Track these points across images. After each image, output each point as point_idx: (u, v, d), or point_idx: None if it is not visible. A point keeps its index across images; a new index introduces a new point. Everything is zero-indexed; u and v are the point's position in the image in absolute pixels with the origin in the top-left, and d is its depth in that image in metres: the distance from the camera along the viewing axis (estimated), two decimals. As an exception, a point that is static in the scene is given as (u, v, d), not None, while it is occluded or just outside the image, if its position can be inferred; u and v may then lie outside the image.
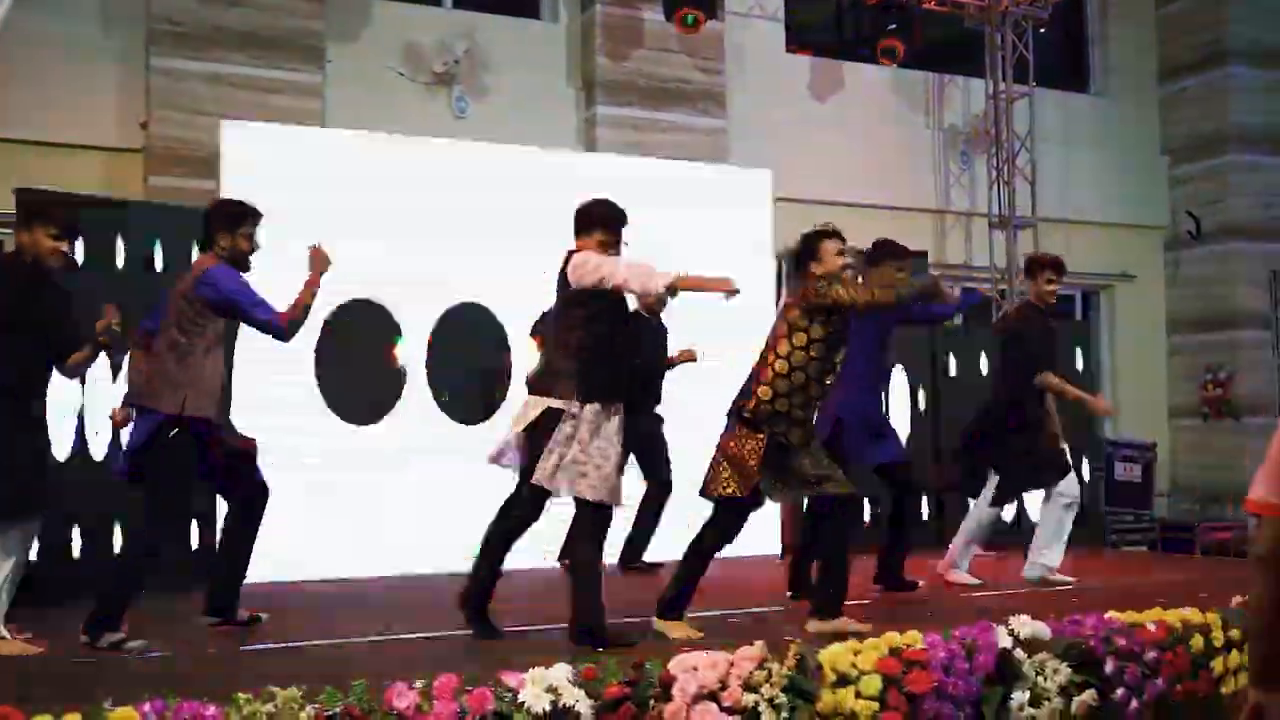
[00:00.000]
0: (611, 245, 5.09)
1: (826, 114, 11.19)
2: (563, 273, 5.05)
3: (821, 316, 5.07)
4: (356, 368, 8.01)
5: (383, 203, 8.05)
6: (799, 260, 5.32)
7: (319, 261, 5.27)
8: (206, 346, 5.13)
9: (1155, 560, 9.91)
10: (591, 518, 4.83)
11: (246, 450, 5.29)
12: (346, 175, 8.03)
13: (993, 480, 6.86)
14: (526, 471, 4.89)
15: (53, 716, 3.17)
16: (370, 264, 7.78)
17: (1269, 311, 12.09)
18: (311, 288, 5.22)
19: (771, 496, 5.24)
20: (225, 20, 8.78)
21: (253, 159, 7.77)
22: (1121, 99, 12.75)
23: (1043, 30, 11.77)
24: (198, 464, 5.11)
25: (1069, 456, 6.98)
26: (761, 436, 4.96)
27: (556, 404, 4.85)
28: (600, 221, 5.11)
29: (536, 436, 4.86)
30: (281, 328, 5.16)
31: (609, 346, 4.94)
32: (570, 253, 5.08)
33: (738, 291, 4.86)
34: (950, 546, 7.06)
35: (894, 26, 10.76)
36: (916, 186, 11.57)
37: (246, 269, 5.33)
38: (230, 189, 7.63)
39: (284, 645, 5.03)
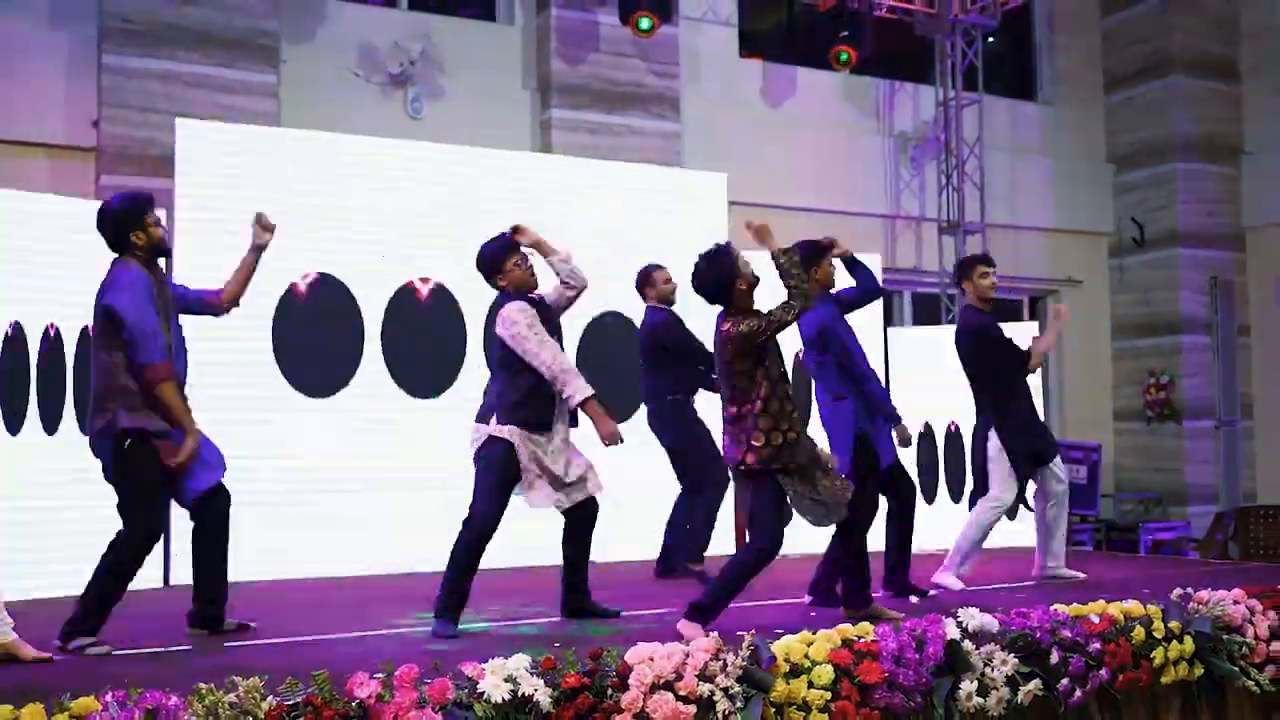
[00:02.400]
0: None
1: (779, 119, 11.32)
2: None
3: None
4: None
5: (337, 203, 8.06)
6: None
7: None
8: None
9: (1100, 559, 10.07)
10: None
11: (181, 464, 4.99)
12: (302, 175, 8.02)
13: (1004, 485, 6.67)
14: None
15: (12, 708, 3.18)
16: (324, 264, 7.87)
17: (1209, 316, 12.35)
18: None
19: None
20: (179, 18, 8.74)
21: (207, 158, 7.76)
22: (1068, 108, 12.98)
23: (991, 39, 11.96)
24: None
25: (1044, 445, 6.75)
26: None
27: None
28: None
29: None
30: (152, 380, 4.86)
31: None
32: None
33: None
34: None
35: (846, 34, 10.90)
36: (868, 191, 11.72)
37: (166, 254, 5.18)
38: (185, 189, 7.67)
39: (247, 644, 5.03)
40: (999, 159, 12.17)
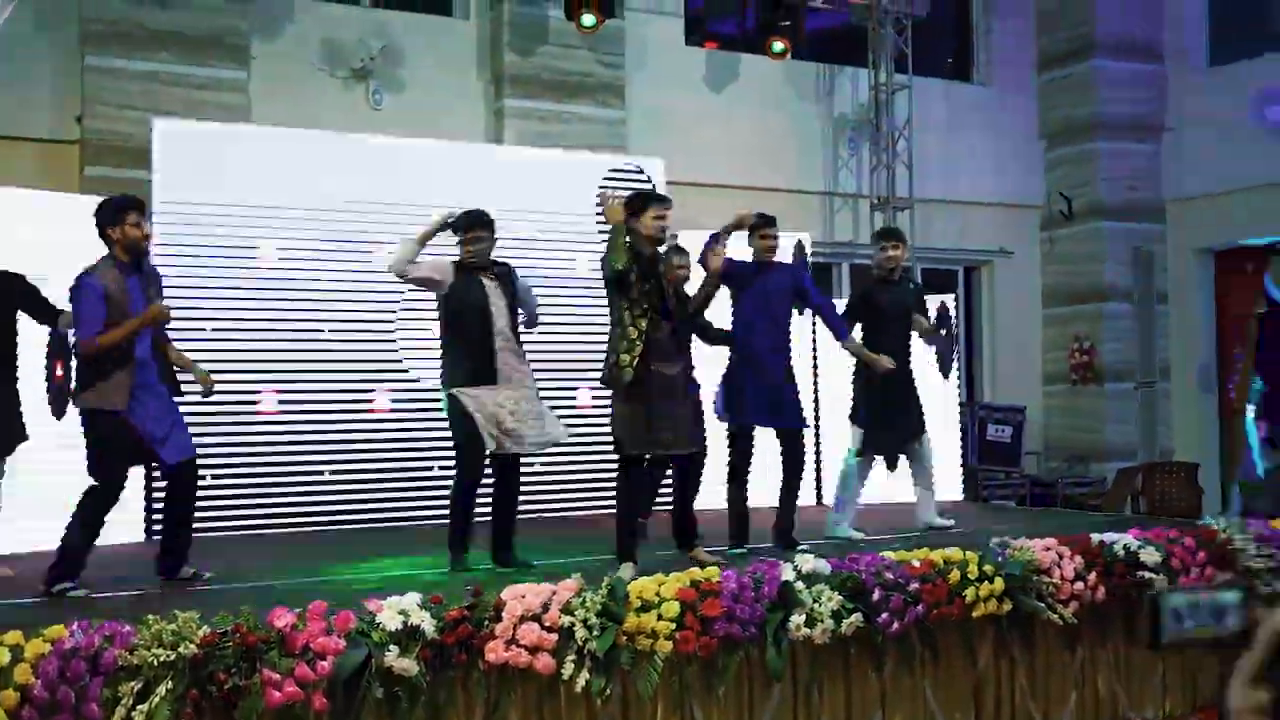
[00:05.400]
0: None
1: (722, 103, 12.05)
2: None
3: None
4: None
5: (305, 195, 8.88)
6: None
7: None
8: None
9: (1012, 512, 10.91)
10: None
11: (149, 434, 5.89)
12: (272, 169, 8.83)
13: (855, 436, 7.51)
14: None
15: (-3, 634, 4.04)
16: (293, 254, 8.71)
17: (1131, 285, 13.16)
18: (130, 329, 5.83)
19: None
20: (155, 20, 9.50)
21: (182, 152, 8.58)
22: (1002, 88, 13.68)
23: (916, 21, 12.50)
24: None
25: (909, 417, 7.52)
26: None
27: None
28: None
29: None
30: (85, 354, 5.81)
31: None
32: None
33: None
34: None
35: (787, 23, 11.64)
36: (808, 170, 12.47)
37: (141, 254, 6.00)
38: (162, 182, 8.50)
39: (209, 589, 5.90)
40: (937, 137, 12.90)
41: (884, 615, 5.36)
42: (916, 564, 5.57)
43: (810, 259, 10.72)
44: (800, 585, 5.24)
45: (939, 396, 10.87)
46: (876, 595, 5.36)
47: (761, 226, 7.04)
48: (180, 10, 9.60)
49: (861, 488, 7.52)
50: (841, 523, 7.40)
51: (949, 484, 9.99)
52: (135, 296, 5.89)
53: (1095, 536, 6.15)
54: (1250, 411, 11.74)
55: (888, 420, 7.41)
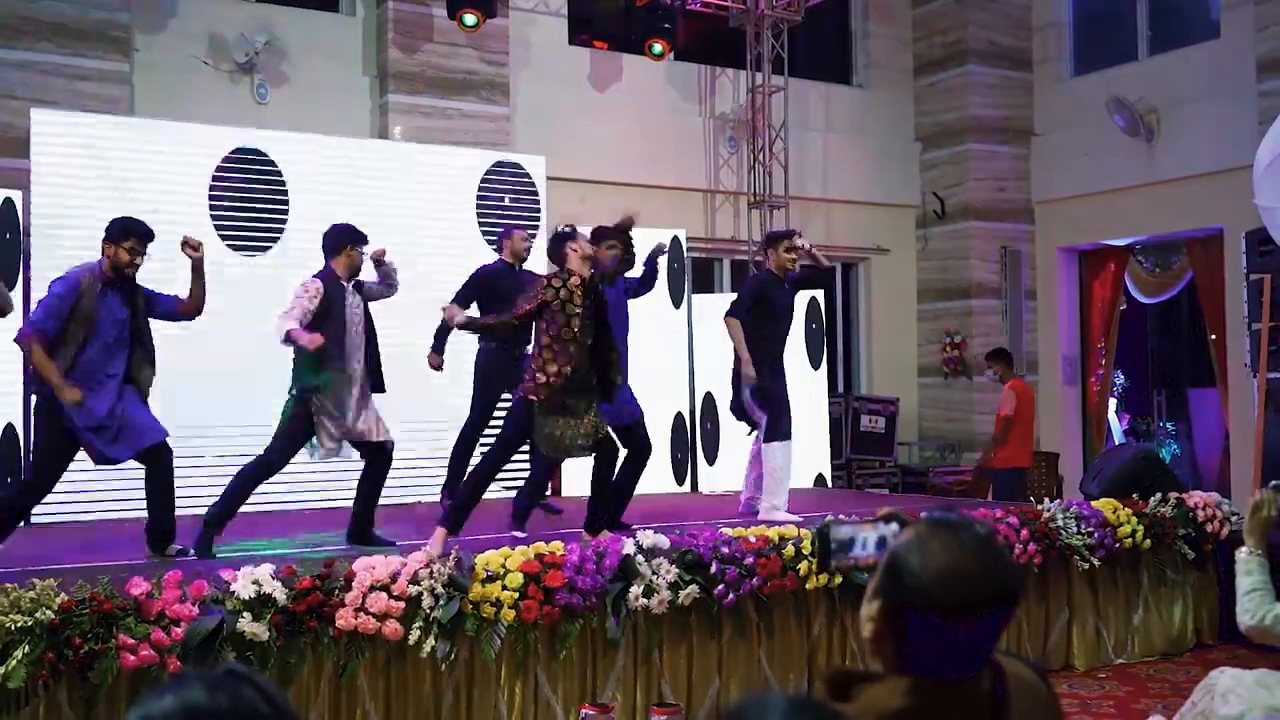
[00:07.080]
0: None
1: (606, 102, 12.38)
2: None
3: None
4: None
5: (183, 187, 9.04)
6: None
7: None
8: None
9: (880, 499, 11.39)
10: None
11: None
12: (149, 161, 8.99)
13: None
14: None
15: None
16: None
17: (999, 283, 13.75)
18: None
19: None
20: (35, 11, 9.58)
21: (60, 142, 8.71)
22: (880, 90, 14.20)
23: (796, 26, 12.96)
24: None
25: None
26: None
27: None
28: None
29: None
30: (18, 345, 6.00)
31: None
32: None
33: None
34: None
35: (666, 26, 12.00)
36: (690, 168, 12.84)
37: (124, 279, 6.14)
38: (39, 170, 8.63)
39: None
40: (815, 137, 13.36)
41: (720, 587, 5.72)
42: (753, 539, 5.94)
43: (689, 254, 11.23)
44: (640, 559, 5.58)
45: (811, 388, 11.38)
46: (714, 568, 5.73)
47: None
48: (62, 1, 9.69)
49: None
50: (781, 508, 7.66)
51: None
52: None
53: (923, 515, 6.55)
54: (1112, 404, 12.27)
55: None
